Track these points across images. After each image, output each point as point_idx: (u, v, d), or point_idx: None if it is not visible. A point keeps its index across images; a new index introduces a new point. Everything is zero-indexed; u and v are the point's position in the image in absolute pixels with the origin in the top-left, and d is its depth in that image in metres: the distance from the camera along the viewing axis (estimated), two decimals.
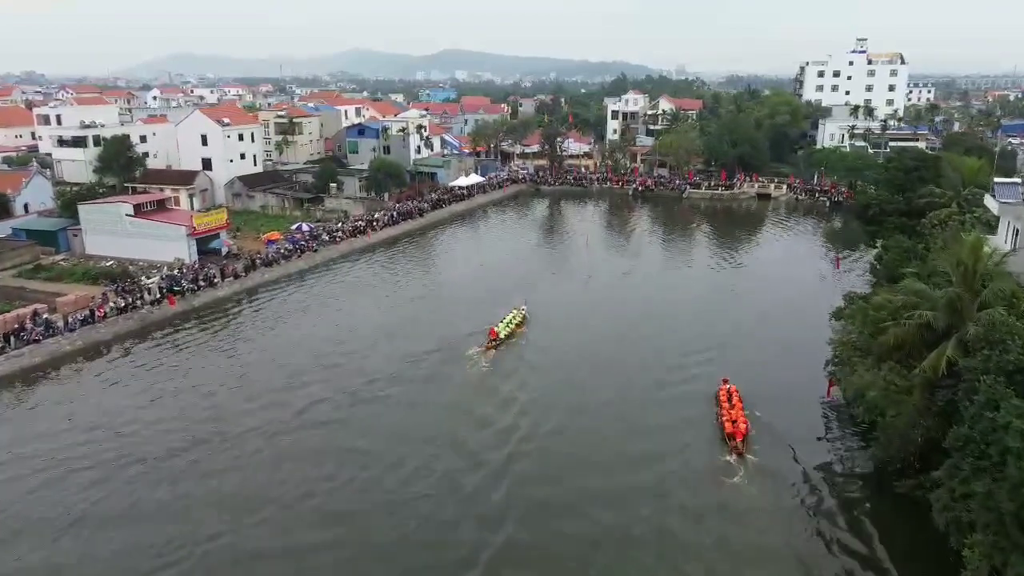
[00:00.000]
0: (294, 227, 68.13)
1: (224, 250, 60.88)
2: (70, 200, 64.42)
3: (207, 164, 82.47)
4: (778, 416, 33.84)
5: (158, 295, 49.21)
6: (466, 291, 55.23)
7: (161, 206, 62.68)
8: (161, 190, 79.85)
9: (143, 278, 52.75)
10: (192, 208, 78.67)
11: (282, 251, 60.81)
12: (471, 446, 32.13)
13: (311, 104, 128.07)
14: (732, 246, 71.82)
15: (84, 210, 60.82)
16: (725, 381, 36.06)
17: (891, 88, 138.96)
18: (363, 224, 70.67)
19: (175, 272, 54.20)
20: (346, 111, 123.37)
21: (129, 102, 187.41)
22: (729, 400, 34.21)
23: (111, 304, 47.02)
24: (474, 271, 61.77)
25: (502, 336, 42.97)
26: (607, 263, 63.99)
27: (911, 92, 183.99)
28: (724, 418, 32.59)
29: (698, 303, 51.70)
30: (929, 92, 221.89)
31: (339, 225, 70.84)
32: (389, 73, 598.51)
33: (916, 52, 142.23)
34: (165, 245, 57.88)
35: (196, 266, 56.44)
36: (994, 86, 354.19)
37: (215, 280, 53.46)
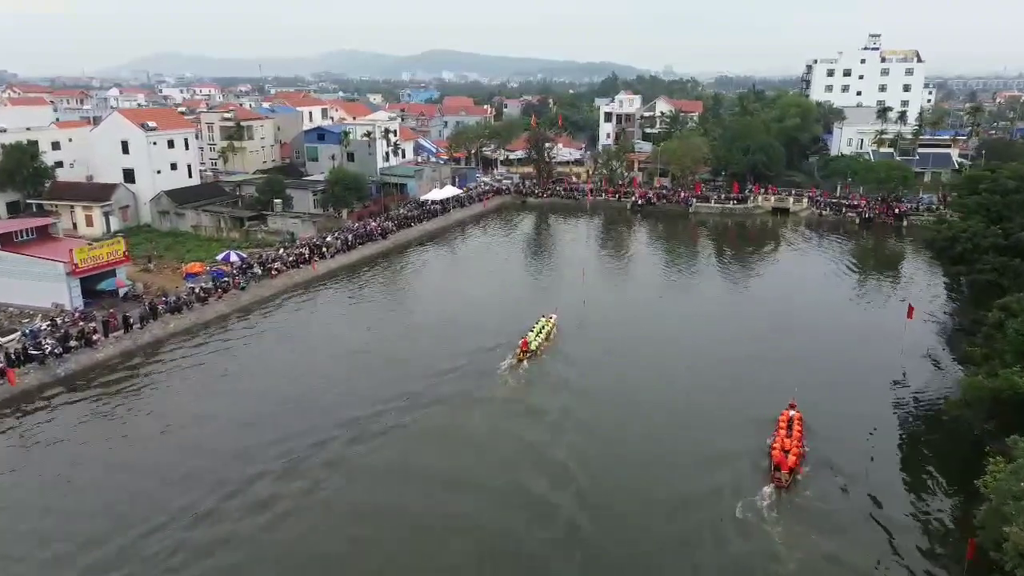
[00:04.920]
0: (220, 256, 55.15)
1: (121, 291, 47.89)
2: None
3: (129, 176, 69.34)
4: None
5: (2, 364, 36.21)
6: (433, 337, 42.87)
7: (43, 234, 49.53)
8: (71, 208, 67.12)
9: None
10: (108, 230, 65.75)
11: (197, 291, 47.91)
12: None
13: (266, 105, 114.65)
14: (759, 276, 59.63)
15: None
16: (792, 405, 32.12)
17: (906, 88, 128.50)
18: (307, 252, 57.81)
19: (43, 326, 41.25)
20: (310, 113, 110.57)
21: (82, 102, 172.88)
22: (789, 427, 30.57)
23: None
24: (446, 308, 49.61)
25: (533, 347, 39.60)
26: (609, 295, 51.74)
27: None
28: (776, 446, 28.88)
29: (726, 360, 39.52)
30: (930, 93, 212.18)
31: (278, 252, 57.99)
32: (374, 73, 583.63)
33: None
34: (39, 286, 44.84)
35: (77, 315, 43.51)
36: (986, 87, 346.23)
37: (95, 337, 40.50)
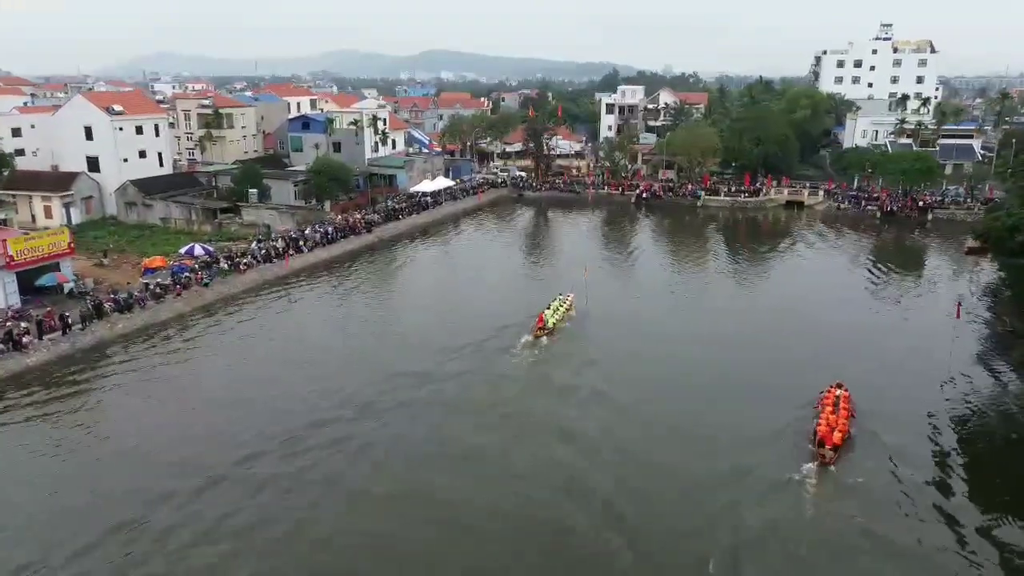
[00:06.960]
0: (184, 250, 49.94)
1: (65, 287, 42.66)
2: None
3: (94, 164, 64.11)
4: None
5: None
6: (411, 349, 37.68)
7: None
8: (30, 199, 61.96)
9: None
10: (69, 221, 60.52)
11: (152, 287, 42.70)
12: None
13: (249, 93, 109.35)
14: (778, 272, 54.60)
15: None
16: (839, 385, 30.51)
17: (919, 80, 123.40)
18: (283, 245, 52.65)
19: None
20: (298, 103, 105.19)
21: (66, 93, 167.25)
22: (835, 406, 28.78)
23: None
24: (438, 306, 44.88)
25: (550, 324, 38.58)
26: (613, 293, 46.51)
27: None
28: (821, 423, 27.24)
29: (744, 361, 34.43)
30: (937, 89, 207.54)
31: (251, 246, 52.82)
32: (373, 73, 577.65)
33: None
34: None
35: (11, 314, 38.30)
36: (990, 87, 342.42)
37: (25, 340, 35.29)
